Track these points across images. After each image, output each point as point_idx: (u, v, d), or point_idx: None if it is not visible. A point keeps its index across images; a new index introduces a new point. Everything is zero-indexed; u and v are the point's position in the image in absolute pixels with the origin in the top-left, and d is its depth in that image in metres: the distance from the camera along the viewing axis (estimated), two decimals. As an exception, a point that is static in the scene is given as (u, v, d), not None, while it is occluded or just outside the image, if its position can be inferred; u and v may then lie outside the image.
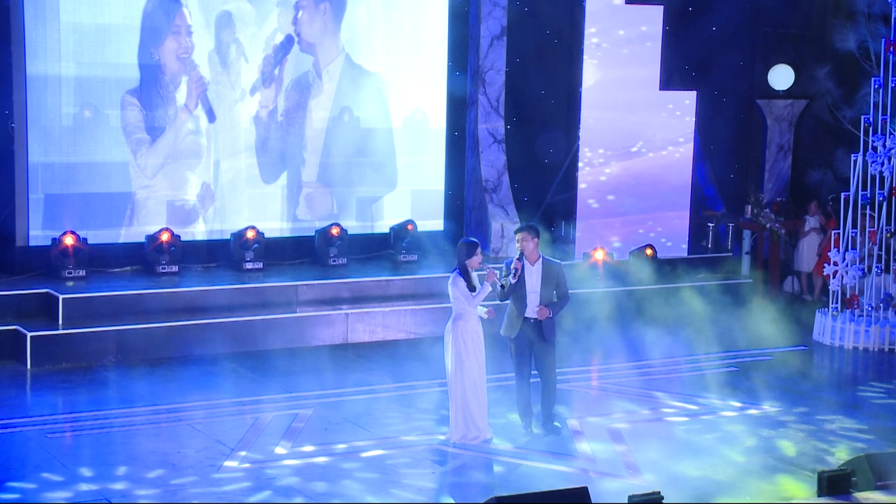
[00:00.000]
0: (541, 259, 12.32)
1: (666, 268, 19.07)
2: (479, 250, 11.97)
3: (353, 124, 18.42)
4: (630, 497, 9.53)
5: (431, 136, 19.19)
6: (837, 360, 16.42)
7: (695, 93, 19.94)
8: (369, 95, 18.50)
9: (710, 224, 20.67)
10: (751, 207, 20.47)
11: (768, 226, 19.96)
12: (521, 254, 12.24)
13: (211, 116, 17.32)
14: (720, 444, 12.26)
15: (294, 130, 18.06)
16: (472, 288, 11.86)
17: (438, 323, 15.47)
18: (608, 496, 10.54)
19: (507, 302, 12.32)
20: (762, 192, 21.26)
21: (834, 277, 17.16)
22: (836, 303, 17.12)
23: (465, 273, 11.89)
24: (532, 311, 12.28)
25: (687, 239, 19.98)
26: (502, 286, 12.17)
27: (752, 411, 13.52)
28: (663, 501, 9.58)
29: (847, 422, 13.18)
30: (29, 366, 14.47)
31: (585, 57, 19.10)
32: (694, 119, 19.85)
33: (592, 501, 9.57)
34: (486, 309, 12.10)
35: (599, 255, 18.62)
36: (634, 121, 19.44)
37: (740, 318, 17.68)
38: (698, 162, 21.40)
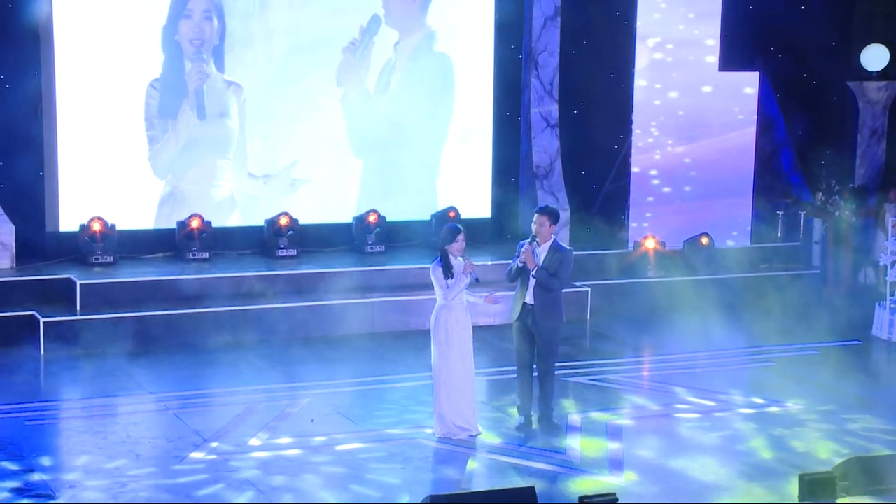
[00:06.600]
0: (550, 243, 11.68)
1: (723, 257, 18.17)
2: (461, 236, 11.40)
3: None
4: (581, 497, 8.92)
5: (480, 121, 18.58)
6: (889, 356, 15.40)
7: (757, 74, 18.97)
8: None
9: (778, 212, 19.66)
10: (820, 194, 19.42)
11: (837, 213, 18.92)
12: (534, 237, 11.63)
13: (201, 114, 16.84)
14: (723, 443, 11.49)
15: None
16: (451, 276, 11.29)
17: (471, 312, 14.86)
18: (570, 496, 9.89)
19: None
20: (853, 178, 20.21)
21: (892, 268, 16.12)
22: (894, 296, 16.08)
23: (445, 260, 11.32)
24: (532, 296, 11.66)
25: (749, 227, 19.04)
26: (513, 269, 11.64)
27: (773, 409, 12.66)
28: (618, 502, 8.97)
29: (873, 422, 12.24)
30: (42, 351, 14.30)
31: (640, 37, 18.32)
32: (756, 102, 18.88)
33: (539, 502, 9.00)
34: (484, 296, 11.58)
35: (650, 243, 17.82)
36: (692, 104, 18.56)
37: (798, 310, 16.75)
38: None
